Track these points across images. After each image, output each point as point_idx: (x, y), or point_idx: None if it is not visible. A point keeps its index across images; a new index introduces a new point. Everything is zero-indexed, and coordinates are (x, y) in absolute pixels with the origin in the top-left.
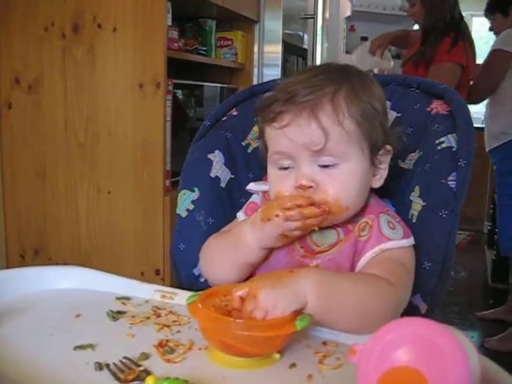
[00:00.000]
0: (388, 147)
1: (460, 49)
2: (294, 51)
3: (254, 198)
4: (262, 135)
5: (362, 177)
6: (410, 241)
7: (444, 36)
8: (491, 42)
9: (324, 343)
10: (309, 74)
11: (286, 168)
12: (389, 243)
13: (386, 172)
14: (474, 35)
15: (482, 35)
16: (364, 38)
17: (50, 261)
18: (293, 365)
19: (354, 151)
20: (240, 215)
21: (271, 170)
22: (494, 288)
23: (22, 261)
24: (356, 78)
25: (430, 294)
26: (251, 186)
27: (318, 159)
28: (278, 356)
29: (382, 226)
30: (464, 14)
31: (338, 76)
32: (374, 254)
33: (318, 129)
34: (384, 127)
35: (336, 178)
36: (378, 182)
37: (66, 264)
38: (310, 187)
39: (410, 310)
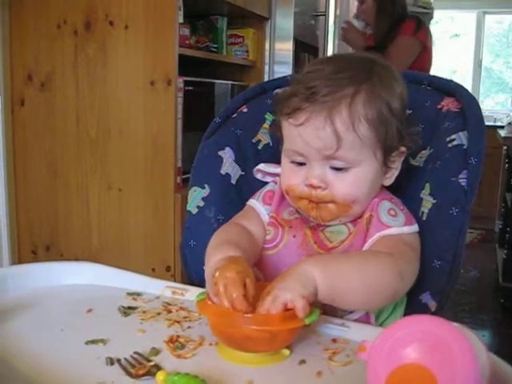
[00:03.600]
0: (402, 149)
1: (424, 31)
2: (305, 49)
3: (272, 187)
4: (278, 127)
5: (372, 180)
6: (413, 228)
7: (406, 20)
8: (504, 40)
9: (334, 340)
10: (330, 68)
11: (299, 163)
12: (387, 230)
13: (398, 171)
14: (486, 32)
15: (495, 33)
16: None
17: (62, 257)
18: (302, 361)
19: (367, 156)
20: (256, 203)
21: (285, 162)
22: (504, 287)
23: (34, 257)
24: (377, 74)
25: (440, 292)
26: (261, 167)
27: (329, 161)
28: (287, 352)
29: (380, 215)
30: (477, 11)
31: (359, 73)
32: (372, 242)
33: (332, 134)
34: (400, 129)
35: (346, 181)
36: (388, 181)
37: (77, 260)
38: (319, 187)
39: (420, 308)
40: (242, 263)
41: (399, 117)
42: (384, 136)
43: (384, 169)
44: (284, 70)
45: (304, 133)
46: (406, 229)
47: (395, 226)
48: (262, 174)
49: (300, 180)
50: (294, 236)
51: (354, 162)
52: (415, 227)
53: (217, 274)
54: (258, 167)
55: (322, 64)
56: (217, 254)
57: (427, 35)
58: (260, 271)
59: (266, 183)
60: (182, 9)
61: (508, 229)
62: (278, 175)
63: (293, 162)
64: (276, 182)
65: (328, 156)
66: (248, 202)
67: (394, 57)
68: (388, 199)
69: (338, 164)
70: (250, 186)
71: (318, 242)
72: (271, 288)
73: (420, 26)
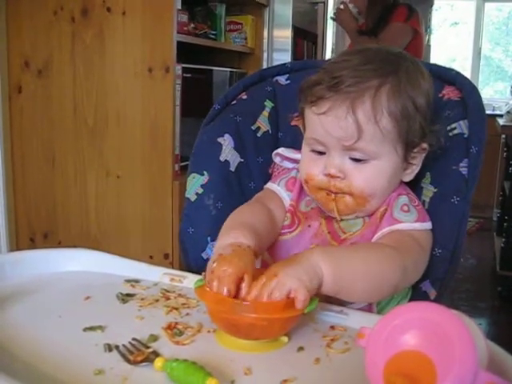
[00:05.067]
0: (424, 145)
1: (416, 18)
2: (304, 36)
3: (295, 174)
4: (301, 115)
5: (391, 174)
6: (425, 225)
7: (398, 7)
8: (504, 28)
9: (332, 327)
10: (357, 60)
11: (319, 152)
12: (398, 225)
13: (418, 168)
14: (485, 20)
15: (494, 21)
16: None
17: (60, 244)
18: (300, 348)
19: (387, 150)
20: (278, 188)
21: (305, 150)
22: (502, 276)
23: (32, 244)
24: (405, 69)
25: (440, 281)
26: (281, 150)
27: (349, 152)
28: (285, 339)
29: (394, 210)
30: None
31: (386, 66)
32: (381, 235)
33: (353, 124)
34: (423, 125)
35: (364, 173)
36: (408, 177)
37: (75, 247)
38: (338, 177)
39: (419, 296)
40: (245, 256)
41: (423, 113)
42: (406, 131)
43: (404, 164)
44: (282, 57)
45: (325, 121)
46: (418, 225)
47: (406, 221)
48: (280, 158)
49: (319, 169)
50: (309, 226)
51: (374, 154)
52: (428, 224)
53: (214, 265)
54: (277, 151)
55: (349, 55)
56: (228, 236)
57: (419, 22)
58: (270, 255)
59: (269, 174)
60: None
61: (506, 217)
62: (296, 161)
63: (313, 151)
64: (298, 170)
65: (348, 147)
66: (268, 186)
67: (387, 43)
68: (405, 194)
69: (357, 155)
70: (249, 173)
71: (331, 232)
72: (278, 270)
73: (412, 12)
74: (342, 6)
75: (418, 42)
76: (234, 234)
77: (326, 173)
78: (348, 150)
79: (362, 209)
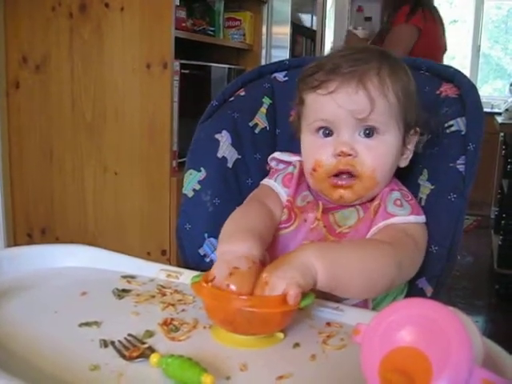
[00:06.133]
0: (417, 129)
1: (419, 15)
2: (302, 32)
3: (291, 170)
4: (300, 104)
5: (396, 152)
6: (419, 218)
7: (403, 5)
8: (503, 26)
9: (328, 324)
10: (350, 51)
11: (325, 136)
12: (392, 219)
13: (412, 153)
14: (485, 18)
15: (494, 19)
16: (368, 18)
17: (57, 240)
18: (296, 344)
19: (393, 125)
20: (275, 184)
21: (308, 139)
22: (499, 274)
23: (29, 240)
24: (393, 59)
25: (436, 278)
26: (276, 155)
27: (359, 128)
28: (281, 336)
29: (387, 205)
30: None
31: (379, 55)
32: (377, 230)
33: (365, 97)
34: (417, 108)
35: (374, 150)
36: (404, 162)
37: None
38: (350, 155)
39: (416, 293)
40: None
41: (415, 98)
42: (406, 109)
43: (402, 148)
44: (281, 54)
45: (336, 98)
46: (412, 218)
47: (400, 215)
48: (276, 162)
49: (328, 153)
50: (305, 220)
51: (383, 127)
52: (422, 218)
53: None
54: (273, 155)
55: (341, 50)
56: (243, 245)
57: (424, 18)
58: (267, 251)
59: (266, 170)
60: None
61: (503, 215)
62: (291, 163)
63: (319, 129)
64: (295, 166)
65: (361, 119)
66: (265, 182)
67: (391, 48)
68: (397, 190)
69: (370, 124)
70: (246, 169)
71: (327, 225)
72: (269, 276)
73: (415, 9)
74: (347, 34)
75: (423, 40)
76: (248, 244)
77: (336, 152)
78: (360, 124)
79: (369, 193)
